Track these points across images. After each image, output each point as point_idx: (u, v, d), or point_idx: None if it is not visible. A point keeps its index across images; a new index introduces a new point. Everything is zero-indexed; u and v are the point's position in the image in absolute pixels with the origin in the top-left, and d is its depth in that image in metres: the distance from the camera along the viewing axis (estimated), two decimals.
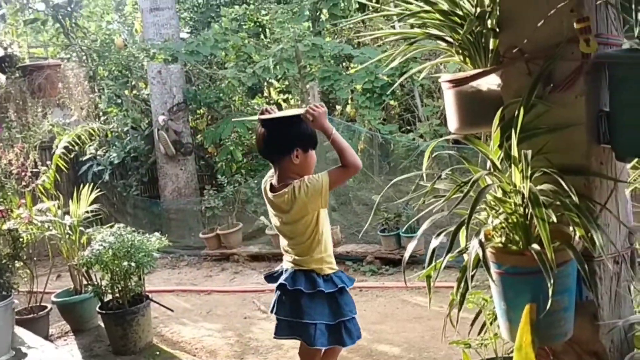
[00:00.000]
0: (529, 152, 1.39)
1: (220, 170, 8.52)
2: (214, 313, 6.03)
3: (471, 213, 1.30)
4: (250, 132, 8.42)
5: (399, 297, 5.86)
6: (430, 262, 1.49)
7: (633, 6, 1.43)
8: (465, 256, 1.44)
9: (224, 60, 8.79)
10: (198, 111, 9.36)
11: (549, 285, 1.29)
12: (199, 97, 8.74)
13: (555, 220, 1.30)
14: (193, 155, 9.14)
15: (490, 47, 1.60)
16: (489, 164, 1.55)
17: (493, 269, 1.51)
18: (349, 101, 8.31)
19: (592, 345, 1.56)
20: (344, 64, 8.31)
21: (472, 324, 2.00)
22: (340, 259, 6.88)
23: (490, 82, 1.66)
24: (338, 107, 8.76)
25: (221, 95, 8.63)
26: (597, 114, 1.49)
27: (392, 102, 8.08)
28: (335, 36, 8.70)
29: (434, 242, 1.48)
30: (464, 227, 1.47)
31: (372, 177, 7.57)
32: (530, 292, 1.40)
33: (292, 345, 5.11)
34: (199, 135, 9.34)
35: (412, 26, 1.76)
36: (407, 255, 1.56)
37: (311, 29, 8.65)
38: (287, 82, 8.61)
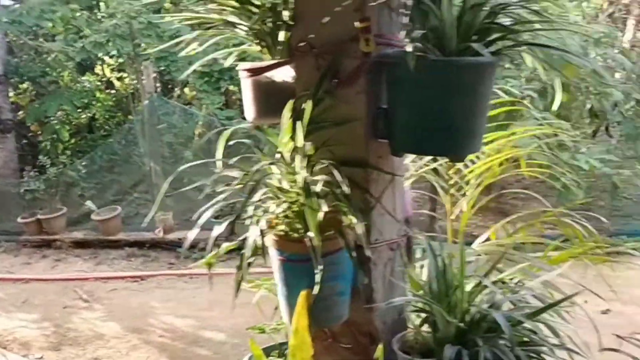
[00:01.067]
0: (308, 144, 1.44)
1: (44, 151, 7.93)
2: (30, 303, 5.65)
3: (246, 201, 1.32)
4: (79, 110, 7.93)
5: (229, 283, 5.89)
6: (212, 250, 1.50)
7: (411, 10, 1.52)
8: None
9: (52, 32, 8.17)
10: (20, 85, 8.61)
11: (316, 272, 1.35)
12: (21, 70, 8.04)
13: (326, 209, 1.36)
14: (13, 133, 8.41)
15: (283, 39, 1.63)
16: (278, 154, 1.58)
17: (276, 255, 1.56)
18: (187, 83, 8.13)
19: (366, 327, 1.67)
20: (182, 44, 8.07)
21: (275, 308, 2.05)
22: (173, 245, 6.74)
23: (286, 74, 1.69)
24: (177, 90, 8.54)
25: (47, 69, 8.01)
26: (377, 110, 1.58)
27: (231, 88, 8.02)
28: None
29: (216, 231, 1.49)
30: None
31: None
32: (307, 278, 1.46)
33: (114, 336, 4.93)
34: (21, 112, 8.61)
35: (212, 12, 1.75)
36: (186, 244, 1.56)
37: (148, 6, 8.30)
38: (121, 60, 8.20)
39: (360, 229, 1.34)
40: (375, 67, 1.54)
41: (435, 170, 2.57)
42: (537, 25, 1.53)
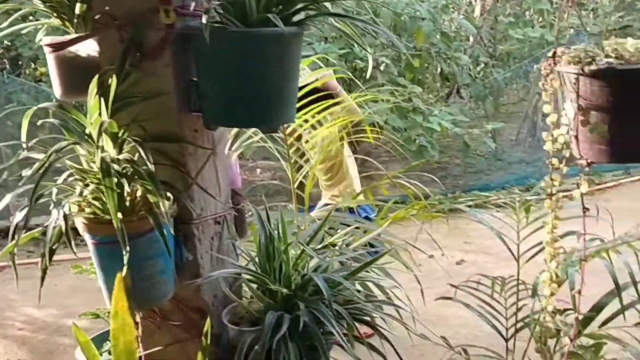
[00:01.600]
0: (108, 122, 1.38)
1: None
2: None
3: (36, 185, 1.25)
4: None
5: (91, 269, 5.65)
6: (13, 237, 1.41)
7: None
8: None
9: None
10: None
11: (124, 253, 1.32)
12: None
13: (128, 189, 1.32)
14: None
15: (78, 11, 1.54)
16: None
17: (89, 239, 1.50)
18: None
19: (195, 302, 1.66)
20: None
21: None
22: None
23: (91, 49, 1.61)
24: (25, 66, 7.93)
25: None
26: (187, 83, 1.55)
27: None
28: None
29: (18, 217, 1.41)
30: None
31: None
32: (122, 260, 1.41)
33: None
34: None
35: None
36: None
37: None
38: None
39: (165, 207, 1.31)
40: (181, 38, 1.50)
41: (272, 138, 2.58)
42: None
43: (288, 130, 2.42)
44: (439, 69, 5.92)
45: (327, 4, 1.54)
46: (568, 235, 1.97)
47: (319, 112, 2.36)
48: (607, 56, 1.44)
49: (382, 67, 5.30)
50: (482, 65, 6.84)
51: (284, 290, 1.57)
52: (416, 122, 5.18)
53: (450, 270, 5.03)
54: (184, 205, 1.55)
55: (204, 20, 1.32)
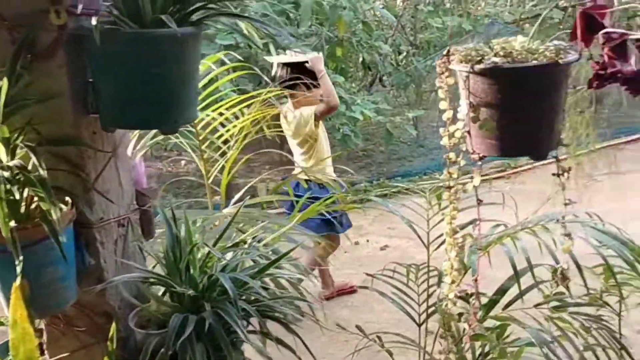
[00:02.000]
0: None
1: None
2: None
3: None
4: None
5: None
6: None
7: None
8: None
9: None
10: None
11: (16, 263, 1.28)
12: None
13: (19, 196, 1.28)
14: None
15: None
16: None
17: None
18: None
19: (101, 307, 1.63)
20: None
21: None
22: None
23: None
24: None
25: None
26: (84, 84, 1.51)
27: None
28: None
29: None
30: None
31: None
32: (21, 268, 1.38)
33: None
34: None
35: None
36: None
37: None
38: None
39: (57, 213, 1.28)
40: (74, 39, 1.46)
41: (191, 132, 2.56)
42: None
43: None
44: (361, 58, 6.00)
45: (228, 2, 1.53)
46: (471, 224, 2.06)
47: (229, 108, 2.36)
48: (495, 55, 1.51)
49: None
50: (404, 53, 6.97)
51: (190, 292, 1.57)
52: (339, 111, 5.23)
53: (374, 255, 5.16)
54: (82, 209, 1.53)
55: (93, 22, 1.29)
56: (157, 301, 1.64)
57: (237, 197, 2.44)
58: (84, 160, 1.54)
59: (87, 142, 1.53)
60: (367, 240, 5.39)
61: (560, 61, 1.42)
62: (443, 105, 1.63)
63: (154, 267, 1.77)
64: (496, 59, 1.45)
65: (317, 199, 3.23)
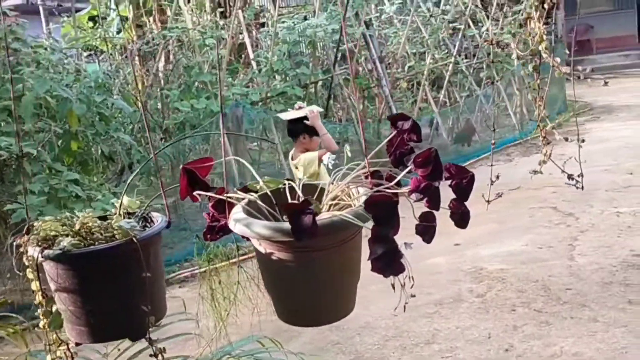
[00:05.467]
0: None
1: None
2: None
3: None
4: None
5: None
6: None
7: None
8: None
9: None
10: None
11: None
12: None
13: None
14: None
15: None
16: None
17: None
18: None
19: None
20: None
21: None
22: None
23: None
24: None
25: None
26: None
27: None
28: None
29: None
30: None
31: None
32: None
33: None
34: None
35: None
36: None
37: None
38: None
39: None
40: None
41: None
42: None
43: None
44: (100, 151, 5.66)
45: None
46: None
47: None
48: (75, 234, 1.38)
49: (26, 158, 4.84)
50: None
51: None
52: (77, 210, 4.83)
53: None
54: None
55: None
56: None
57: None
58: None
59: None
60: None
61: (135, 239, 1.33)
62: (35, 286, 1.44)
63: None
64: (65, 244, 1.31)
65: None
